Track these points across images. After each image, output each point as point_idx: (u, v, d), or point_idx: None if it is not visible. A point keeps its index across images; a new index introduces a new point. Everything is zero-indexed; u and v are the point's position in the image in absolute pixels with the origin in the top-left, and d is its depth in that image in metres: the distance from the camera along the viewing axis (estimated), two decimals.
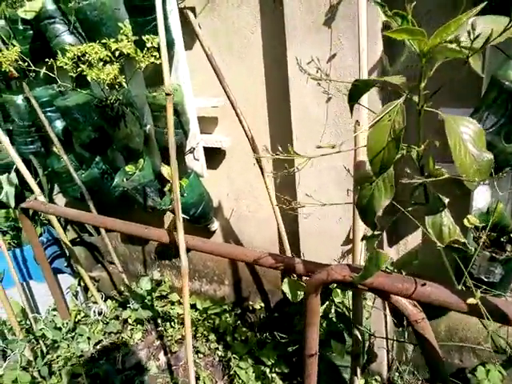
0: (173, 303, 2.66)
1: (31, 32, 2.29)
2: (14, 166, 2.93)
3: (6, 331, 2.34)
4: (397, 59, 1.60)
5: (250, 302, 2.38)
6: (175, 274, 2.76)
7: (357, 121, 1.04)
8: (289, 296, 1.74)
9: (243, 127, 1.65)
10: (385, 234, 1.80)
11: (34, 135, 2.67)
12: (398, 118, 0.66)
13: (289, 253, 1.95)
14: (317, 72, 1.15)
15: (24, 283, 2.52)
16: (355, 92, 0.85)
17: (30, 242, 2.26)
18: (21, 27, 2.26)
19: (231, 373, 1.97)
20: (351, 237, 1.72)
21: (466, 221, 1.12)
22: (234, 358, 1.99)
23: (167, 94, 1.26)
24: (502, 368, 1.66)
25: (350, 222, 1.74)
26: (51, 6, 2.11)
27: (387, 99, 1.55)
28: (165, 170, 2.16)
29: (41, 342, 2.30)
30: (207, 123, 2.17)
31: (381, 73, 1.55)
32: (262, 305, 2.34)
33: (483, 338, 1.71)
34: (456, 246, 0.79)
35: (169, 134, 1.39)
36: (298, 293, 1.73)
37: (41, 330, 2.27)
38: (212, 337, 2.27)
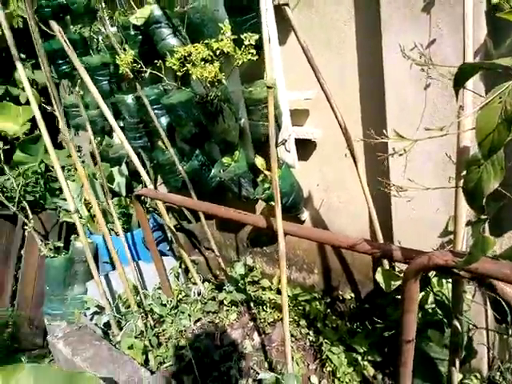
0: (264, 288, 2.79)
1: (140, 37, 2.55)
2: (125, 159, 3.31)
3: (120, 304, 2.67)
4: (501, 43, 1.51)
5: (340, 292, 2.42)
6: (266, 261, 2.89)
7: (460, 106, 1.03)
8: (382, 286, 1.74)
9: (337, 118, 1.69)
10: (487, 226, 1.72)
11: (141, 131, 2.98)
12: (510, 99, 0.66)
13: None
14: (420, 58, 1.16)
15: (134, 263, 2.83)
16: (461, 76, 0.85)
17: (141, 225, 2.53)
18: (132, 33, 2.52)
19: (323, 357, 2.03)
20: (450, 228, 1.68)
21: None
22: (326, 343, 2.04)
23: (269, 87, 1.35)
24: None
25: (448, 213, 1.70)
26: (158, 12, 2.33)
27: (490, 84, 1.48)
28: (258, 161, 2.27)
29: (149, 315, 2.58)
30: (298, 115, 2.24)
31: (484, 57, 1.48)
32: (352, 295, 2.36)
33: None
34: None
35: (269, 125, 1.47)
36: (392, 283, 1.73)
37: (149, 305, 2.54)
38: (303, 322, 2.35)
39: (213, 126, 2.35)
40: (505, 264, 0.90)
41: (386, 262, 1.95)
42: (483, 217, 0.83)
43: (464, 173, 0.89)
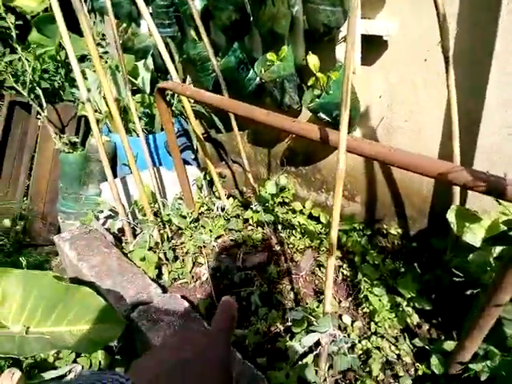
0: (294, 211, 2.52)
1: None
2: (151, 51, 2.88)
3: (136, 211, 2.45)
4: None
5: (384, 226, 2.11)
6: (300, 183, 2.57)
7: None
8: (453, 227, 1.41)
9: (436, 6, 1.23)
10: None
11: (172, 16, 2.53)
12: None
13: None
14: None
15: (154, 169, 2.56)
16: None
17: (164, 126, 2.21)
18: None
19: (359, 296, 1.79)
20: None
21: None
22: (365, 281, 1.78)
23: None
24: None
25: None
26: None
27: None
28: (311, 60, 1.85)
29: (167, 226, 2.36)
30: (369, 3, 1.75)
31: None
32: (399, 231, 2.05)
33: None
34: None
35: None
36: (467, 225, 1.39)
37: (168, 215, 2.31)
38: (338, 253, 2.08)
39: (258, 10, 1.89)
40: None
41: (456, 200, 1.60)
42: None
43: None
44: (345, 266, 2.03)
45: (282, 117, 1.43)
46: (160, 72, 2.95)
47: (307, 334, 1.33)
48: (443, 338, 1.57)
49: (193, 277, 2.04)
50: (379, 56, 1.82)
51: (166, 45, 2.59)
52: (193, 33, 2.42)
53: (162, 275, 2.03)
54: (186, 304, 1.55)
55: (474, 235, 1.40)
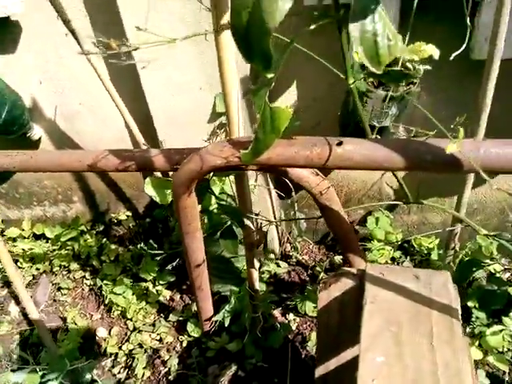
0: (14, 239, 2.11)
1: None
2: None
3: None
4: None
5: (112, 215, 1.98)
6: (5, 204, 2.14)
7: None
8: (156, 199, 1.39)
9: None
10: None
11: None
12: None
13: (144, 147, 1.55)
14: None
15: None
16: None
17: None
18: None
19: (106, 302, 1.65)
20: (219, 109, 1.39)
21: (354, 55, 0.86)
22: (106, 284, 1.64)
23: None
24: (388, 213, 1.66)
25: (214, 91, 1.38)
26: None
27: None
28: None
29: None
30: None
31: None
32: (128, 214, 1.96)
33: (366, 191, 1.65)
34: None
35: None
36: (167, 192, 1.39)
37: None
38: (74, 266, 1.86)
39: None
40: (305, 143, 0.62)
41: None
42: (270, 76, 0.49)
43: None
44: (87, 275, 1.84)
45: None
46: None
47: None
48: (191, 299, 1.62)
49: None
50: (17, 39, 1.55)
51: None
52: None
53: None
54: None
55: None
